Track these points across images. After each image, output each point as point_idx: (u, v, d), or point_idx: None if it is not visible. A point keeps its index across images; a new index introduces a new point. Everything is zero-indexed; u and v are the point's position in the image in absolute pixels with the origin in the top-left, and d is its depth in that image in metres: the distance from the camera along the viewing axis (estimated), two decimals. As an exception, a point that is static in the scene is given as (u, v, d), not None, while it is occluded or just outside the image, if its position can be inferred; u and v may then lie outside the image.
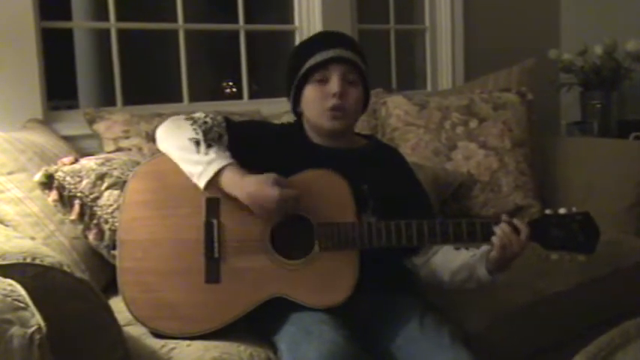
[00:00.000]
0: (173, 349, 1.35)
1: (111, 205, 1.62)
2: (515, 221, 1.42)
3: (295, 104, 1.59)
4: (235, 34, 2.68)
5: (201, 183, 1.40)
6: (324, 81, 1.52)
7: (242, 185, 1.39)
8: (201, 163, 1.40)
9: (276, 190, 1.36)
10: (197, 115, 1.52)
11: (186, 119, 1.50)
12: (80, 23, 5.80)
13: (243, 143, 1.52)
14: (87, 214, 1.62)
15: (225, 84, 7.03)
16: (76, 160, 1.67)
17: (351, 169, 1.49)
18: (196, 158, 1.41)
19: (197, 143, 1.42)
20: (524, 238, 1.41)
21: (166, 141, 1.49)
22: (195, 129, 1.46)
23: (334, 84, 1.50)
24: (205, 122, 1.49)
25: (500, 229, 1.41)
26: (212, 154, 1.41)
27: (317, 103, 1.52)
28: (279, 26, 3.32)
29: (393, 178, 1.61)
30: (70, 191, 1.61)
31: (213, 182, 1.40)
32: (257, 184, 1.38)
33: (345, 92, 1.51)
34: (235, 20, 2.67)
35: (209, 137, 1.44)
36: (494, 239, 1.41)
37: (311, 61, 1.52)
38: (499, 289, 1.60)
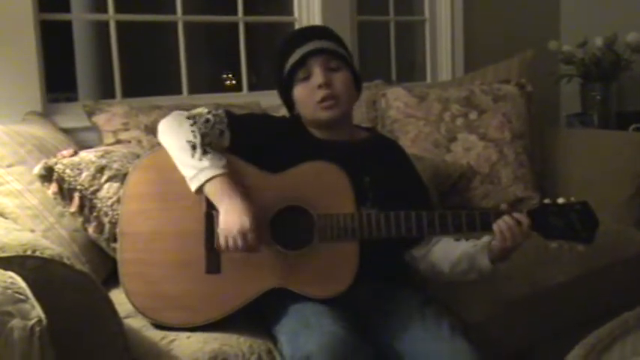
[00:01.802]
0: (173, 340, 1.35)
1: (110, 198, 1.62)
2: (516, 214, 1.42)
3: (290, 108, 1.61)
4: (235, 26, 2.68)
5: (192, 187, 1.41)
6: (307, 77, 1.53)
7: (221, 203, 1.39)
8: (194, 168, 1.40)
9: (247, 221, 1.35)
10: (199, 111, 1.52)
11: (188, 117, 1.49)
12: (79, 15, 5.77)
13: (246, 138, 1.52)
14: (87, 207, 1.62)
15: (224, 76, 7.02)
16: (75, 153, 1.67)
17: (353, 161, 1.49)
18: (191, 162, 1.41)
19: (193, 147, 1.42)
20: (526, 229, 1.41)
21: (166, 138, 1.48)
22: (193, 131, 1.44)
23: (317, 76, 1.51)
24: (207, 120, 1.48)
25: (503, 220, 1.41)
26: (206, 161, 1.40)
27: (307, 100, 1.54)
28: (278, 18, 3.31)
29: (394, 171, 1.61)
30: (69, 184, 1.61)
31: (203, 188, 1.40)
32: (233, 209, 1.36)
33: (329, 81, 1.52)
34: (235, 12, 2.66)
35: (206, 141, 1.44)
36: (496, 230, 1.41)
37: (290, 61, 1.53)
38: (499, 280, 1.61)
